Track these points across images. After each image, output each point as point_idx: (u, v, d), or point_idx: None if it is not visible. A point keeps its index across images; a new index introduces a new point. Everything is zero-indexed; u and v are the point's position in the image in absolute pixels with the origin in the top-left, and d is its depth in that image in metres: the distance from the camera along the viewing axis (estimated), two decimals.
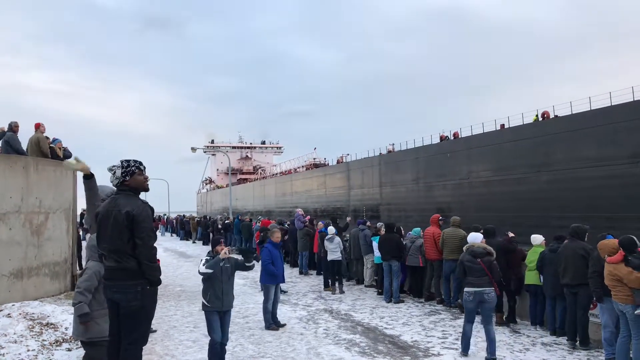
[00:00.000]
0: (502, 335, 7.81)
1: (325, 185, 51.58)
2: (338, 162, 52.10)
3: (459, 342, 7.14)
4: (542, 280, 8.04)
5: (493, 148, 30.05)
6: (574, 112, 25.85)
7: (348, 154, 50.68)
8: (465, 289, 6.97)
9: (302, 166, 62.30)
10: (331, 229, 12.36)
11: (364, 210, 42.71)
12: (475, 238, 7.34)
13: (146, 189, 4.46)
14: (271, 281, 8.62)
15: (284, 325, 8.53)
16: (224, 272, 6.12)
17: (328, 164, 55.91)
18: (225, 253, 6.09)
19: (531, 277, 8.24)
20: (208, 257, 6.23)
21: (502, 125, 30.49)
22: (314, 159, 61.83)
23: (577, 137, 24.38)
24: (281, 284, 9.62)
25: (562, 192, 24.46)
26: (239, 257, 6.47)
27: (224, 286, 6.13)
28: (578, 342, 7.13)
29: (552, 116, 27.51)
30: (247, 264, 6.34)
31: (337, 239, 12.04)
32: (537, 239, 8.53)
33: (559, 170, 25.34)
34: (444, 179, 33.83)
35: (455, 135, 34.82)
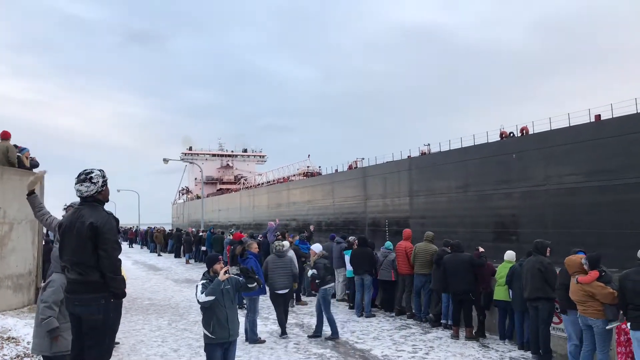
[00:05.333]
0: (471, 349, 7.87)
1: (333, 194, 44.92)
2: (350, 167, 45.32)
3: (420, 352, 7.66)
4: (511, 295, 8.13)
5: (586, 145, 23.60)
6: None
7: (363, 159, 43.85)
8: (328, 286, 8.73)
9: (295, 175, 58.24)
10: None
11: (386, 224, 36.05)
12: (318, 247, 9.55)
13: (108, 200, 4.40)
14: (258, 292, 8.32)
15: (264, 341, 8.41)
16: (225, 296, 5.37)
17: (336, 171, 48.87)
18: (224, 274, 5.35)
19: (500, 293, 8.32)
20: (205, 281, 5.43)
21: (598, 117, 24.37)
22: (308, 167, 57.81)
23: None
24: None
25: None
26: (240, 278, 5.80)
27: (228, 312, 5.37)
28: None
29: None
30: (249, 285, 5.68)
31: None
32: (510, 254, 8.66)
33: None
34: (507, 185, 27.29)
35: (524, 130, 28.17)
